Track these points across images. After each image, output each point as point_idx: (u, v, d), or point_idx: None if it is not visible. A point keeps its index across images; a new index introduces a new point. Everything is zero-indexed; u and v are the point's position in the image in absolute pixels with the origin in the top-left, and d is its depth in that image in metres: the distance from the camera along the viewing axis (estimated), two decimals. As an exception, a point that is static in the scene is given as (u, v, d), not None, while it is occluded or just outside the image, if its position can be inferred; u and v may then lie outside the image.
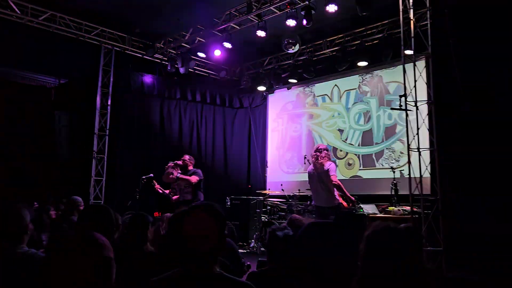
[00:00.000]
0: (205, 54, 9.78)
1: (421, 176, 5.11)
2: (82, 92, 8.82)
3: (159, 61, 10.04)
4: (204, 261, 1.76)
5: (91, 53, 9.05)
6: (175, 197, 7.79)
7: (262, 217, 9.05)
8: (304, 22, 7.39)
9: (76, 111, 8.51)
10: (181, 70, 9.62)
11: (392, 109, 6.07)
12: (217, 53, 8.98)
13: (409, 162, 5.19)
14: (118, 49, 9.30)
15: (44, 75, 8.25)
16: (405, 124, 5.41)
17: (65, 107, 8.34)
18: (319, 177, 6.19)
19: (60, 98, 8.39)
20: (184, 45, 9.53)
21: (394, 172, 7.11)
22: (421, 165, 5.11)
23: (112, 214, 2.53)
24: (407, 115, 5.14)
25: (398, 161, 8.69)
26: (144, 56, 9.65)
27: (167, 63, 9.85)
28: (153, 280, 1.83)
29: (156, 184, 8.04)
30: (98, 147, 8.93)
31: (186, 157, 7.52)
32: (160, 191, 7.96)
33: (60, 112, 8.22)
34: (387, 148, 9.00)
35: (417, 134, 5.23)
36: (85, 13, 8.35)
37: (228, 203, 9.48)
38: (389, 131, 9.02)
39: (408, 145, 5.25)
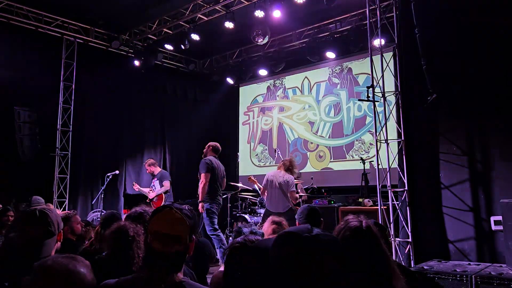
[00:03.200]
0: (172, 47, 9.52)
1: (389, 167, 5.13)
2: (43, 86, 8.41)
3: (124, 53, 9.70)
4: (169, 265, 1.61)
5: (52, 46, 8.63)
6: (151, 194, 7.67)
7: (234, 211, 8.97)
8: (279, 14, 7.38)
9: (37, 106, 8.10)
10: (148, 63, 9.34)
11: (360, 100, 6.07)
12: (185, 45, 8.76)
13: (377, 153, 5.19)
14: (80, 41, 8.91)
15: (1, 69, 7.82)
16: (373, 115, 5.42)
17: (25, 103, 7.93)
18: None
19: (20, 93, 7.98)
20: (151, 37, 9.27)
21: (364, 163, 7.13)
22: (389, 156, 5.13)
23: (51, 219, 2.23)
24: (375, 106, 5.13)
25: (368, 152, 8.76)
26: (109, 49, 9.30)
27: (133, 55, 9.52)
28: (105, 284, 1.67)
29: (135, 184, 8.18)
30: (61, 144, 8.57)
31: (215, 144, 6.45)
32: (137, 190, 7.99)
33: (19, 108, 7.81)
34: (357, 140, 9.06)
35: (385, 125, 5.24)
36: (45, 3, 7.95)
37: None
38: (359, 123, 9.08)
39: (376, 136, 5.25)
